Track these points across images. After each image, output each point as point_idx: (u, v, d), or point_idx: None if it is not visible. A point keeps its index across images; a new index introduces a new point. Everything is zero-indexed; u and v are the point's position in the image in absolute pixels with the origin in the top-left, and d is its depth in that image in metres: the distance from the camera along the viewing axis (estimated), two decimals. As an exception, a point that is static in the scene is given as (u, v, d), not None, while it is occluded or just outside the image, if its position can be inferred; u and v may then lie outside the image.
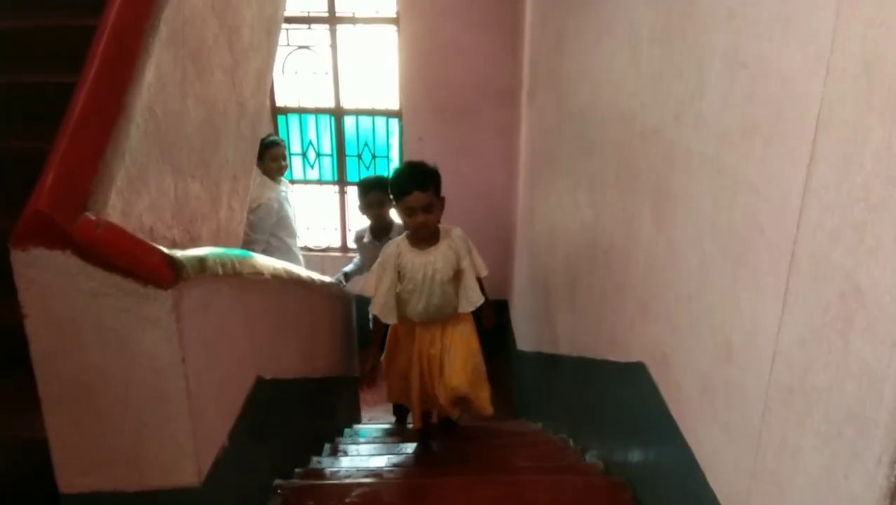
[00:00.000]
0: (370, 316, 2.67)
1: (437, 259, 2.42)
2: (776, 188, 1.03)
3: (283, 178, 4.01)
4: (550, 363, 3.18)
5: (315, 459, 2.45)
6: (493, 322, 2.73)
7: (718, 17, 1.27)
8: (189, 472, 1.29)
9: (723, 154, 1.25)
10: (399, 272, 2.44)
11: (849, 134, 0.81)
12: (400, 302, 2.47)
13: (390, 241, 2.55)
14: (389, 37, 5.18)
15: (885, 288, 0.75)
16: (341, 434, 3.24)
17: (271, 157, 3.82)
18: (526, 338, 4.15)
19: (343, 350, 3.55)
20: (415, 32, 5.01)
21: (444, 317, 2.51)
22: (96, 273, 1.16)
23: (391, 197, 2.49)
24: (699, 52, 1.37)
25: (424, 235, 2.42)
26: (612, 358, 2.05)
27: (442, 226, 2.50)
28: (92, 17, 2.08)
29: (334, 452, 2.68)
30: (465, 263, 2.47)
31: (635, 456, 1.87)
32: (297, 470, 2.18)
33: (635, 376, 1.78)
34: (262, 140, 3.73)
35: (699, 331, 1.37)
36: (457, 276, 2.49)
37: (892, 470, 0.75)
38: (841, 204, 0.82)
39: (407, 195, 2.32)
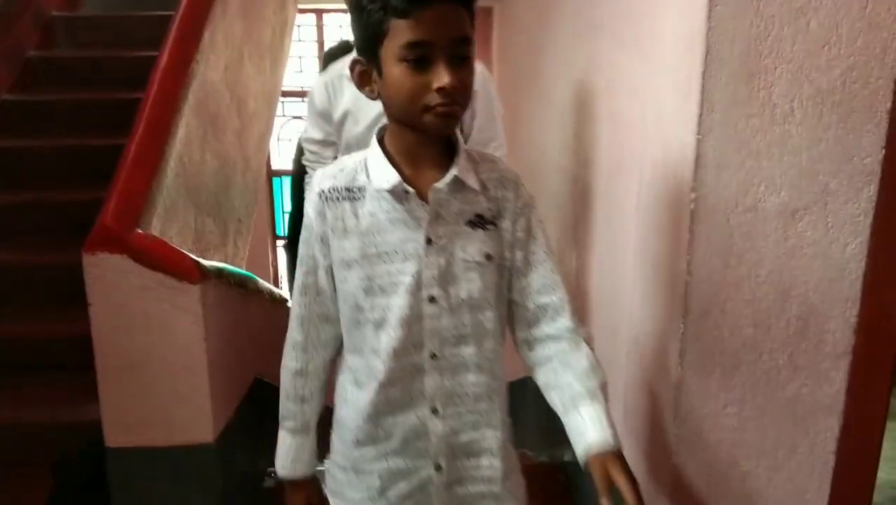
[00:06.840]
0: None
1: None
2: (628, 203, 1.48)
3: None
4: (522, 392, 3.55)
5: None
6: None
7: (602, 89, 1.75)
8: (206, 430, 1.67)
9: (609, 186, 1.70)
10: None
11: (645, 165, 1.27)
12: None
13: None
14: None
15: (656, 245, 1.19)
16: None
17: None
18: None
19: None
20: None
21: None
22: (144, 272, 1.57)
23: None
24: (595, 116, 1.85)
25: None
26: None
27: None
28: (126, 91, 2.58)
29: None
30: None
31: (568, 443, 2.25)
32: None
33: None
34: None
35: (600, 309, 1.80)
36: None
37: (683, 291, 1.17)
38: (646, 206, 1.28)
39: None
